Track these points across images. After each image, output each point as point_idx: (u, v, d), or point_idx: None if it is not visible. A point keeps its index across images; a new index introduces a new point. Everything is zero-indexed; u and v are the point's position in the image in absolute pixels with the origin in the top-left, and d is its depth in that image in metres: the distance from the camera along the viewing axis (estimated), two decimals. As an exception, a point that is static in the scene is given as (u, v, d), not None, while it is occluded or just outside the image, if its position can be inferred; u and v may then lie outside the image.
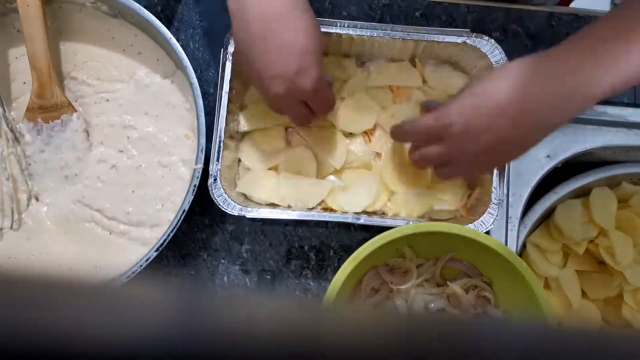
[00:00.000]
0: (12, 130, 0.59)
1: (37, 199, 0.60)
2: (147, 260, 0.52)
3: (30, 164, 0.60)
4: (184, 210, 0.53)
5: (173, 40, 0.56)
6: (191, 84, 0.55)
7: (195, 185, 0.53)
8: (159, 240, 0.53)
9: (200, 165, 0.54)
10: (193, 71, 0.55)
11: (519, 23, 0.64)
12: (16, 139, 0.60)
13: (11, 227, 0.59)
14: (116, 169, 0.60)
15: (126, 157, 0.60)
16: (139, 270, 0.52)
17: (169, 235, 0.53)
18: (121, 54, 0.61)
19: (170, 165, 0.59)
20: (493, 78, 0.46)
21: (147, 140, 0.60)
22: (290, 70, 0.47)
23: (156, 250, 0.53)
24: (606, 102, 0.63)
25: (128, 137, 0.60)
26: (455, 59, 0.60)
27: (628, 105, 0.64)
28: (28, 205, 0.59)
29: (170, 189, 0.59)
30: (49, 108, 0.59)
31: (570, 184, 0.68)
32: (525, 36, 0.64)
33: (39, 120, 0.59)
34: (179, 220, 0.53)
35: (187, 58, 0.55)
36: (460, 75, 0.61)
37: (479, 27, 0.64)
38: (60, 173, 0.60)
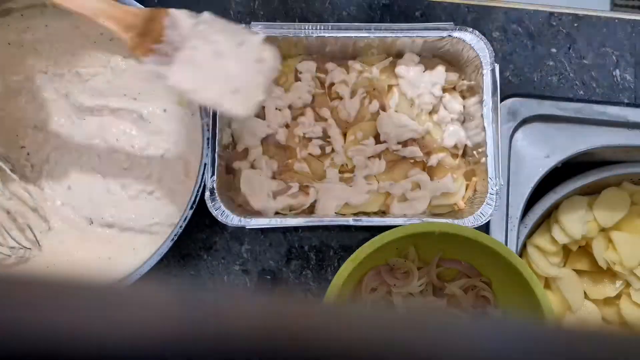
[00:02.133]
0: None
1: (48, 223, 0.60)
2: (160, 254, 0.53)
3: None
4: (193, 206, 0.53)
5: (141, 7, 0.54)
6: None
7: (202, 179, 0.54)
8: (162, 242, 0.53)
9: (207, 119, 0.54)
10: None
11: (519, 23, 0.64)
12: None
13: (38, 243, 0.59)
14: (128, 162, 0.60)
15: (139, 158, 0.61)
16: (153, 263, 0.53)
17: (181, 226, 0.53)
18: (93, 46, 0.61)
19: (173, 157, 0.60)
20: None
21: (153, 124, 0.60)
22: None
23: (171, 240, 0.53)
24: (606, 102, 0.63)
25: (127, 129, 0.61)
26: (441, 53, 0.61)
27: (628, 105, 0.64)
28: (50, 228, 0.60)
29: (175, 184, 0.60)
30: (145, 30, 0.48)
31: (571, 183, 0.68)
32: (525, 36, 0.64)
33: (152, 46, 0.47)
34: (187, 216, 0.53)
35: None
36: (449, 68, 0.61)
37: (479, 27, 0.64)
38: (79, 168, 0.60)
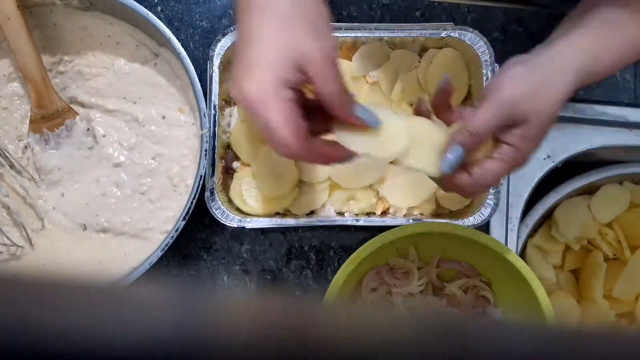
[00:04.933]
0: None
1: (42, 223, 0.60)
2: (150, 263, 0.53)
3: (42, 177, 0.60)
4: (185, 217, 0.53)
5: (151, 15, 0.55)
6: (178, 54, 0.55)
7: (197, 191, 0.54)
8: (153, 250, 0.53)
9: (206, 130, 0.54)
10: (178, 42, 0.55)
11: (519, 23, 0.64)
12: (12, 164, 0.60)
13: (30, 243, 0.59)
14: (122, 166, 0.60)
15: (131, 157, 0.60)
16: (142, 272, 0.53)
17: (172, 237, 0.53)
18: (98, 48, 0.61)
19: (176, 160, 0.60)
20: (548, 57, 0.46)
21: (147, 128, 0.60)
22: (295, 38, 0.37)
23: (161, 250, 0.53)
24: (606, 102, 0.63)
25: (129, 130, 0.61)
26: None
27: (628, 105, 0.64)
28: (43, 226, 0.59)
29: (175, 188, 0.60)
30: (51, 116, 0.59)
31: (571, 183, 0.68)
32: (525, 36, 0.64)
33: (44, 130, 0.59)
34: (179, 227, 0.53)
35: (168, 30, 0.55)
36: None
37: (479, 27, 0.64)
38: (72, 178, 0.60)
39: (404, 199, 0.58)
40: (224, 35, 0.57)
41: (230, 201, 0.58)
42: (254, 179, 0.58)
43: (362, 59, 0.60)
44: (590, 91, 0.64)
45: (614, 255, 0.70)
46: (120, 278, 0.53)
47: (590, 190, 0.70)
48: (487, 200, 0.56)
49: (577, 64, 0.43)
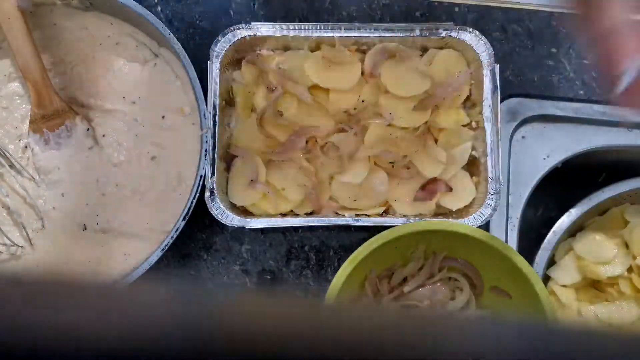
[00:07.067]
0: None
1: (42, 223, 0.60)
2: (150, 263, 0.53)
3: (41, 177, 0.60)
4: (185, 217, 0.53)
5: (151, 16, 0.55)
6: (178, 54, 0.55)
7: (197, 191, 0.54)
8: (162, 243, 0.53)
9: (206, 130, 0.54)
10: (178, 42, 0.55)
11: (519, 23, 0.64)
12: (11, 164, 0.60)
13: (31, 243, 0.59)
14: (122, 166, 0.60)
15: (131, 157, 0.60)
16: (142, 272, 0.53)
17: (172, 237, 0.53)
18: (98, 48, 0.61)
19: (177, 164, 0.60)
20: None
21: (147, 128, 0.60)
22: None
23: (161, 250, 0.53)
24: (606, 102, 0.63)
25: (128, 131, 0.61)
26: None
27: (628, 105, 0.63)
28: (43, 226, 0.59)
29: (175, 186, 0.60)
30: (51, 116, 0.59)
31: (598, 196, 0.62)
32: (525, 36, 0.64)
33: (45, 130, 0.59)
34: (179, 227, 0.53)
35: (168, 30, 0.55)
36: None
37: (479, 26, 0.64)
38: (72, 178, 0.60)
39: (411, 208, 0.58)
40: (224, 35, 0.57)
41: (229, 201, 0.57)
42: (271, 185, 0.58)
43: (377, 55, 0.60)
44: (590, 91, 0.64)
45: None
46: (120, 278, 0.53)
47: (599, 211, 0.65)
48: (487, 200, 0.56)
49: None
